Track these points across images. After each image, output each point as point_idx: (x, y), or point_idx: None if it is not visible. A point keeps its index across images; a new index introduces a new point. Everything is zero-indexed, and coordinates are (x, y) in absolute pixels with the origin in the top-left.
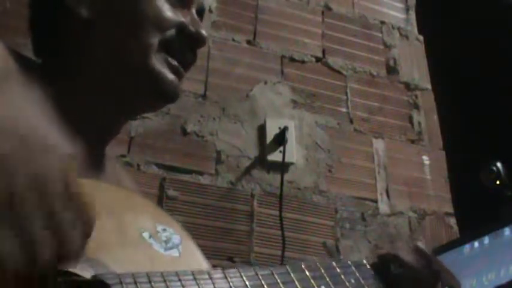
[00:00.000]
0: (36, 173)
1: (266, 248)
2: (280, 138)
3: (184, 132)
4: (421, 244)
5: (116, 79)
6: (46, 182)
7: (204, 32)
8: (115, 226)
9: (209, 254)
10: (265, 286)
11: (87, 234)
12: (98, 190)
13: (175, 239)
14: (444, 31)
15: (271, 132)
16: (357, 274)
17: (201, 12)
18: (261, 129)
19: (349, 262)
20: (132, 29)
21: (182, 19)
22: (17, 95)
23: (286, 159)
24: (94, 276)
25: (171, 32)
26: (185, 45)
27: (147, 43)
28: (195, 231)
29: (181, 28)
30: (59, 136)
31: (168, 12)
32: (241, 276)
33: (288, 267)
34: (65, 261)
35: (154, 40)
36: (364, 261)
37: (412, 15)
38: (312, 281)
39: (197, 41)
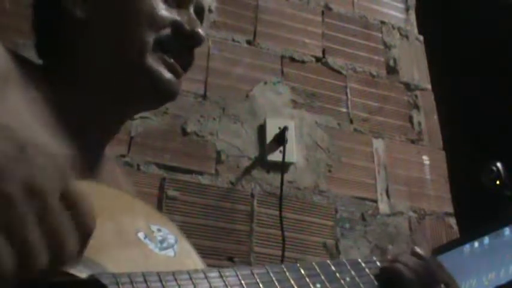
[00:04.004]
0: (31, 175)
1: (266, 248)
2: (280, 138)
3: (184, 132)
4: (418, 248)
5: (113, 79)
6: (42, 185)
7: (201, 31)
8: (111, 227)
9: (209, 254)
10: (260, 285)
11: (87, 236)
12: (93, 192)
13: (171, 238)
14: (444, 31)
15: (271, 132)
16: (353, 272)
17: (199, 12)
18: (261, 129)
19: (344, 261)
20: (126, 28)
21: (177, 18)
22: (15, 99)
23: (286, 159)
24: (90, 276)
25: (166, 31)
26: (182, 45)
27: (141, 42)
28: (195, 231)
29: (176, 27)
30: (55, 139)
31: (162, 11)
32: (237, 275)
33: (283, 266)
34: (63, 263)
35: (149, 39)
36: (359, 260)
37: (412, 15)
38: (307, 279)
39: (193, 40)
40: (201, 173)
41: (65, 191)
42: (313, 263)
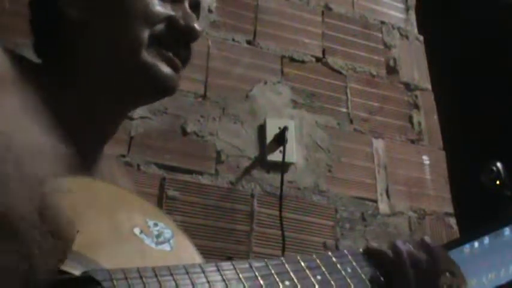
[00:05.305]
0: (5, 207)
1: (266, 248)
2: (280, 138)
3: (184, 132)
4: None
5: (112, 77)
6: (14, 216)
7: (196, 25)
8: (106, 223)
9: (209, 254)
10: (259, 277)
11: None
12: (91, 188)
13: (167, 233)
14: (444, 31)
15: (271, 132)
16: (354, 263)
17: (195, 6)
18: (261, 129)
19: (345, 251)
20: (121, 26)
21: (171, 13)
22: (13, 100)
23: (286, 159)
24: (84, 273)
25: (161, 26)
26: (178, 40)
27: (136, 38)
28: (195, 231)
29: (170, 22)
30: (53, 139)
31: (156, 6)
32: (235, 269)
33: (282, 259)
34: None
35: (144, 35)
36: (361, 250)
37: (412, 15)
38: (308, 271)
39: (189, 34)
40: (201, 173)
41: (41, 214)
42: (314, 255)
